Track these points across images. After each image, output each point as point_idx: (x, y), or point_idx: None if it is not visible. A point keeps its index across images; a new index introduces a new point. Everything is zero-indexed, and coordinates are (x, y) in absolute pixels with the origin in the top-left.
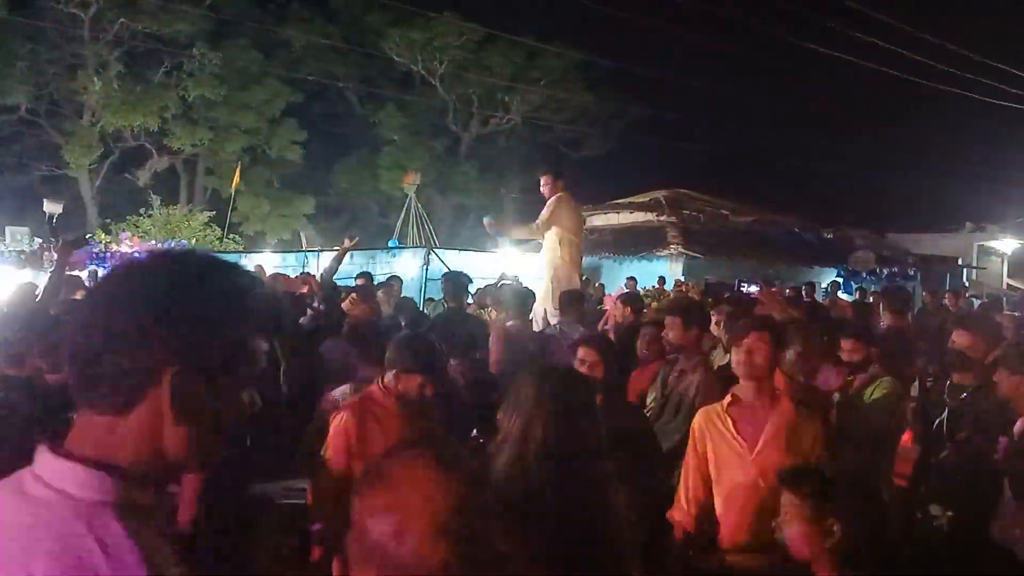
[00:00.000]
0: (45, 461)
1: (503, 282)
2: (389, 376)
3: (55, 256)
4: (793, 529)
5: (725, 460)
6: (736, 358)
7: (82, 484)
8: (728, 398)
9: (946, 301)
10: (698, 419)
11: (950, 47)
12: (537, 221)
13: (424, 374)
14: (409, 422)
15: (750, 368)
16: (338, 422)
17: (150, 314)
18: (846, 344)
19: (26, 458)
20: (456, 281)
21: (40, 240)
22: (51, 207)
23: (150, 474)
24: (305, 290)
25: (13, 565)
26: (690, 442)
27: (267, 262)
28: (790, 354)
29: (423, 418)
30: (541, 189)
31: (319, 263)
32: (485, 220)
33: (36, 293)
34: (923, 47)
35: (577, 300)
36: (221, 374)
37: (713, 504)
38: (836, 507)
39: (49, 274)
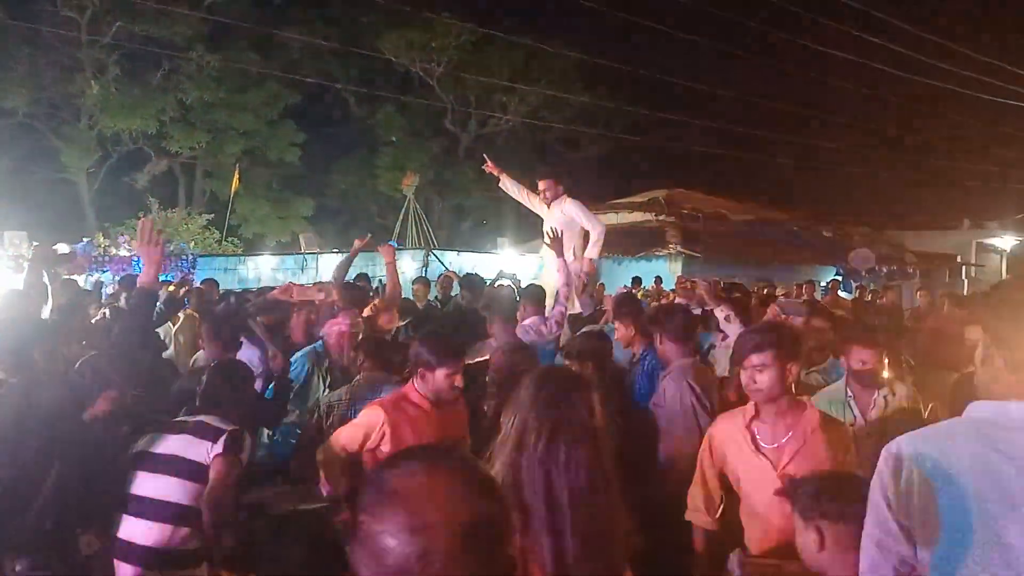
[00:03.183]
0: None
1: (500, 281)
2: (416, 378)
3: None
4: (805, 538)
5: (749, 476)
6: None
7: None
8: (751, 411)
9: (918, 299)
10: (717, 429)
11: (951, 45)
12: (598, 232)
13: (444, 365)
14: (441, 425)
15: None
16: (365, 414)
17: None
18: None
19: None
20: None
21: (37, 244)
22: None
23: None
24: (323, 297)
25: None
26: (705, 447)
27: (266, 265)
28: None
29: (454, 423)
30: (543, 193)
31: (318, 266)
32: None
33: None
34: (924, 45)
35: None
36: None
37: (730, 509)
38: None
39: (24, 281)
